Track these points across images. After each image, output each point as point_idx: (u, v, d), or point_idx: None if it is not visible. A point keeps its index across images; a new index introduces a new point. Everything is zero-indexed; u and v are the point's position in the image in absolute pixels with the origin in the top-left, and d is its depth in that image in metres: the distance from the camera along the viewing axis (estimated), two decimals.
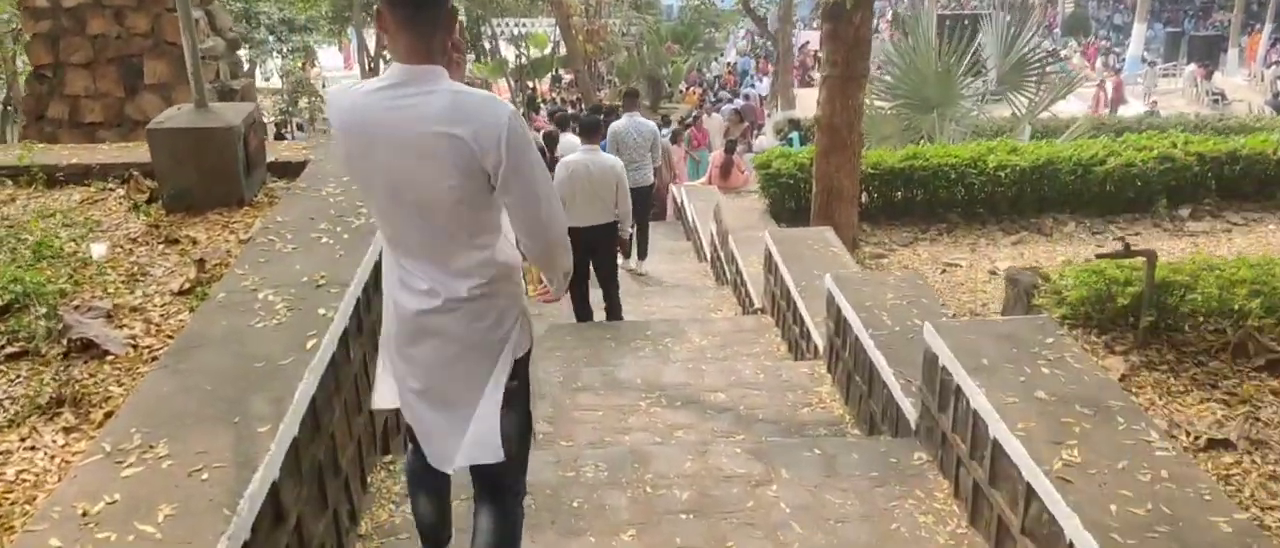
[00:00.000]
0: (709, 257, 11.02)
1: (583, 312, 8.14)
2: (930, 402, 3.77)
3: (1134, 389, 3.93)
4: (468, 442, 2.65)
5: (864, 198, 10.19)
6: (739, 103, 26.68)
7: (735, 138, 16.80)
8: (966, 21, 15.40)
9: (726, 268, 9.56)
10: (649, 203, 10.70)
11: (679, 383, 5.57)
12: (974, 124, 12.78)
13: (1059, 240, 9.66)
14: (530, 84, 33.39)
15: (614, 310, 8.15)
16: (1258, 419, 3.62)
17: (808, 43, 35.46)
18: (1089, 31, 44.99)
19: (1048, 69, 12.78)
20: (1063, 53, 29.63)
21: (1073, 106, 20.50)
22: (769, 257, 7.34)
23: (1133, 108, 28.16)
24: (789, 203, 10.20)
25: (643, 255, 10.81)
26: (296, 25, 28.54)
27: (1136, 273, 4.28)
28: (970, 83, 12.65)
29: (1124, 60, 34.56)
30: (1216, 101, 29.63)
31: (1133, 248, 4.22)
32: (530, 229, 2.53)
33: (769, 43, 30.93)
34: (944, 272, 8.90)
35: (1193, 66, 31.82)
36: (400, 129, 2.38)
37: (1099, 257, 4.39)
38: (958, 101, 12.37)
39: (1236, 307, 4.00)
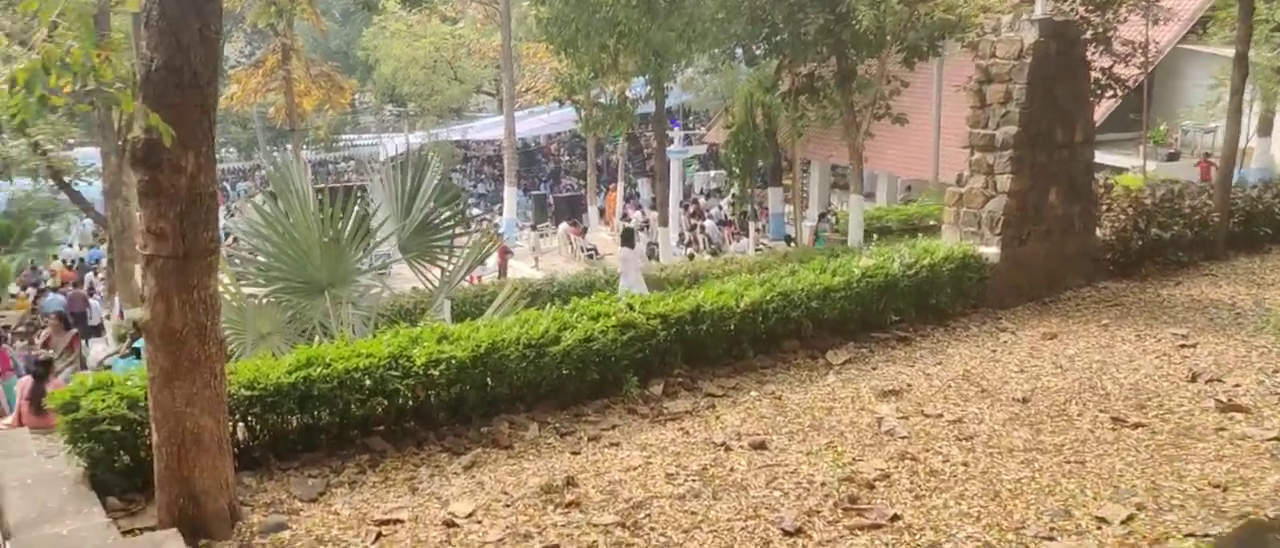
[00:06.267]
0: None
1: None
2: None
3: None
4: None
5: (241, 434, 6.80)
6: (61, 297, 21.37)
7: (55, 354, 12.29)
8: (345, 193, 12.66)
9: None
10: None
11: None
12: (379, 305, 9.99)
13: (524, 452, 7.07)
14: None
15: None
16: None
17: None
18: (457, 199, 45.47)
19: (458, 233, 10.43)
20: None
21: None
22: None
23: (521, 269, 27.76)
24: (120, 460, 6.44)
25: None
26: None
27: None
28: (365, 255, 9.87)
29: (496, 223, 34.73)
30: (591, 256, 30.50)
31: None
32: None
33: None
34: (380, 537, 5.82)
35: (565, 226, 32.72)
36: None
37: None
38: (354, 278, 9.49)
39: None
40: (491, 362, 7.41)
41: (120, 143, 17.22)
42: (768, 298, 8.59)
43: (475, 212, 42.23)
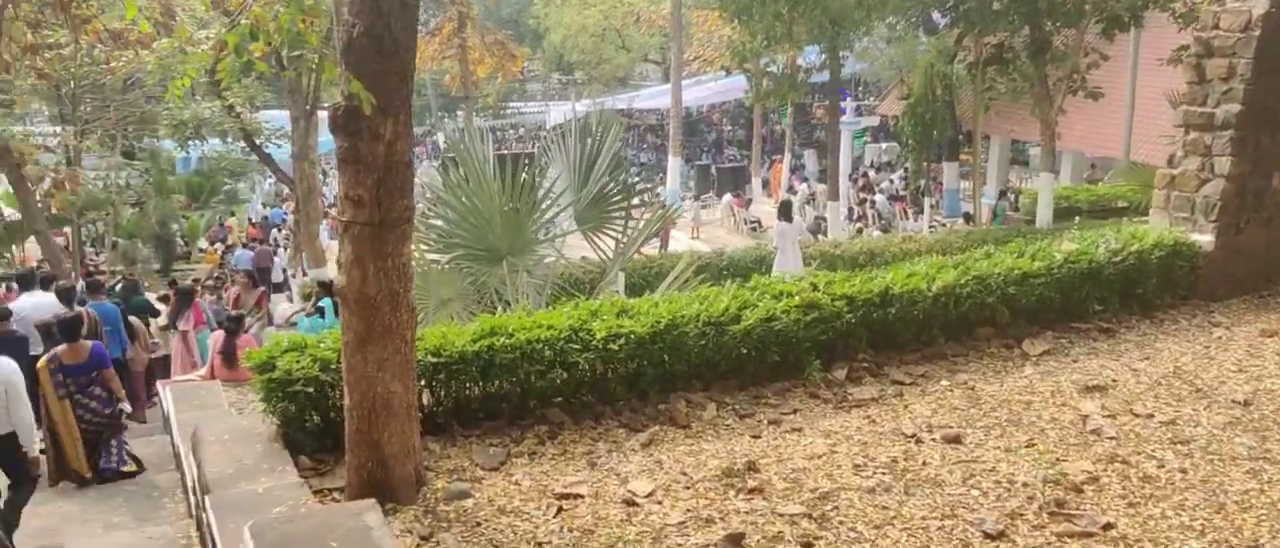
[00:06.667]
0: (195, 513, 7.06)
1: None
2: None
3: None
4: None
5: (425, 400, 6.86)
6: (248, 253, 22.41)
7: (246, 311, 12.82)
8: (524, 160, 12.75)
9: None
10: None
11: None
12: (553, 274, 9.99)
13: (702, 433, 6.91)
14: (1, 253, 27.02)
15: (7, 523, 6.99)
16: None
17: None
18: (623, 169, 45.59)
19: (633, 204, 10.30)
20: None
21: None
22: None
23: (681, 240, 27.68)
24: (311, 420, 6.59)
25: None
26: None
27: None
28: (542, 224, 9.87)
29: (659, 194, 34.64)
30: (754, 229, 30.15)
31: None
32: None
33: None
34: (560, 511, 5.74)
35: (729, 197, 32.43)
36: None
37: None
38: (533, 248, 9.51)
39: None
40: (670, 338, 7.24)
41: (308, 107, 17.87)
42: (961, 282, 8.14)
43: (637, 182, 42.30)
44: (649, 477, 6.12)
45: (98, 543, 7.10)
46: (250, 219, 33.59)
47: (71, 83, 20.90)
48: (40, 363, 8.81)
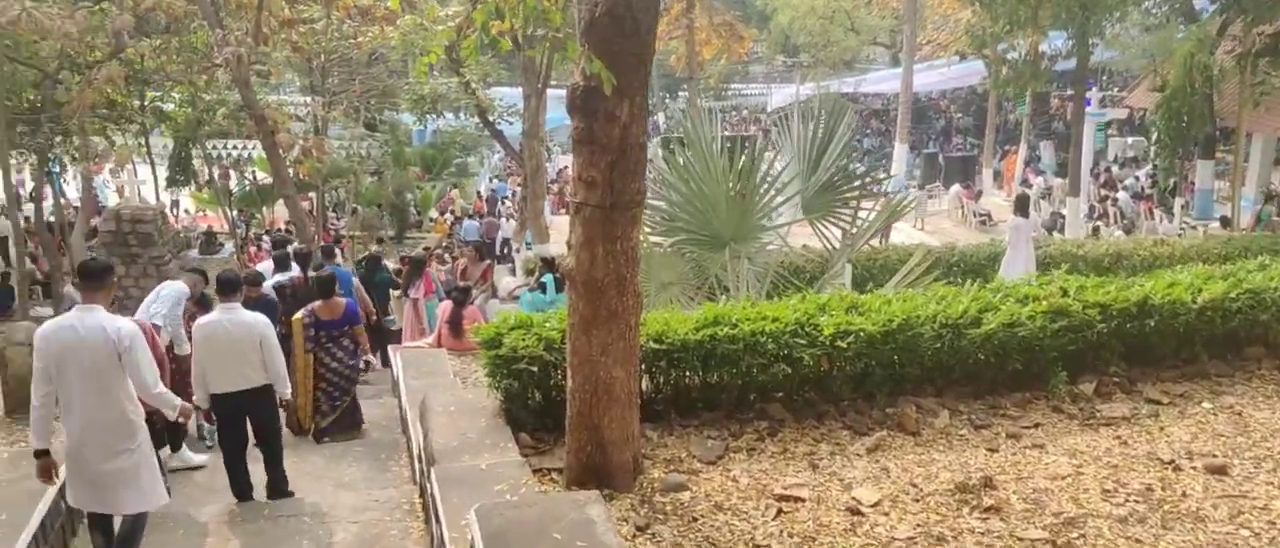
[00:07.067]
0: (419, 481, 7.24)
1: (241, 487, 7.39)
2: None
3: None
4: None
5: (646, 386, 6.76)
6: (476, 225, 23.10)
7: (472, 282, 13.19)
8: (746, 143, 12.48)
9: (432, 527, 5.83)
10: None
11: None
12: (775, 262, 9.71)
13: (933, 442, 6.51)
14: (254, 214, 29.04)
15: (277, 486, 7.46)
16: None
17: (565, 169, 32.74)
18: (853, 156, 44.48)
19: (864, 193, 9.86)
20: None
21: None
22: None
23: (903, 231, 26.74)
24: (533, 398, 6.62)
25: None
26: None
27: None
28: (772, 206, 9.59)
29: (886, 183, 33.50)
30: (983, 223, 28.78)
31: None
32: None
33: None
34: (780, 513, 5.51)
35: (957, 188, 31.09)
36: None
37: None
38: (757, 234, 9.26)
39: None
40: (902, 339, 6.86)
41: (540, 85, 18.24)
42: (1232, 295, 7.36)
43: (866, 170, 41.11)
44: (875, 485, 5.80)
45: (328, 500, 7.40)
46: (478, 192, 34.79)
47: (321, 56, 22.11)
48: (295, 317, 9.31)
